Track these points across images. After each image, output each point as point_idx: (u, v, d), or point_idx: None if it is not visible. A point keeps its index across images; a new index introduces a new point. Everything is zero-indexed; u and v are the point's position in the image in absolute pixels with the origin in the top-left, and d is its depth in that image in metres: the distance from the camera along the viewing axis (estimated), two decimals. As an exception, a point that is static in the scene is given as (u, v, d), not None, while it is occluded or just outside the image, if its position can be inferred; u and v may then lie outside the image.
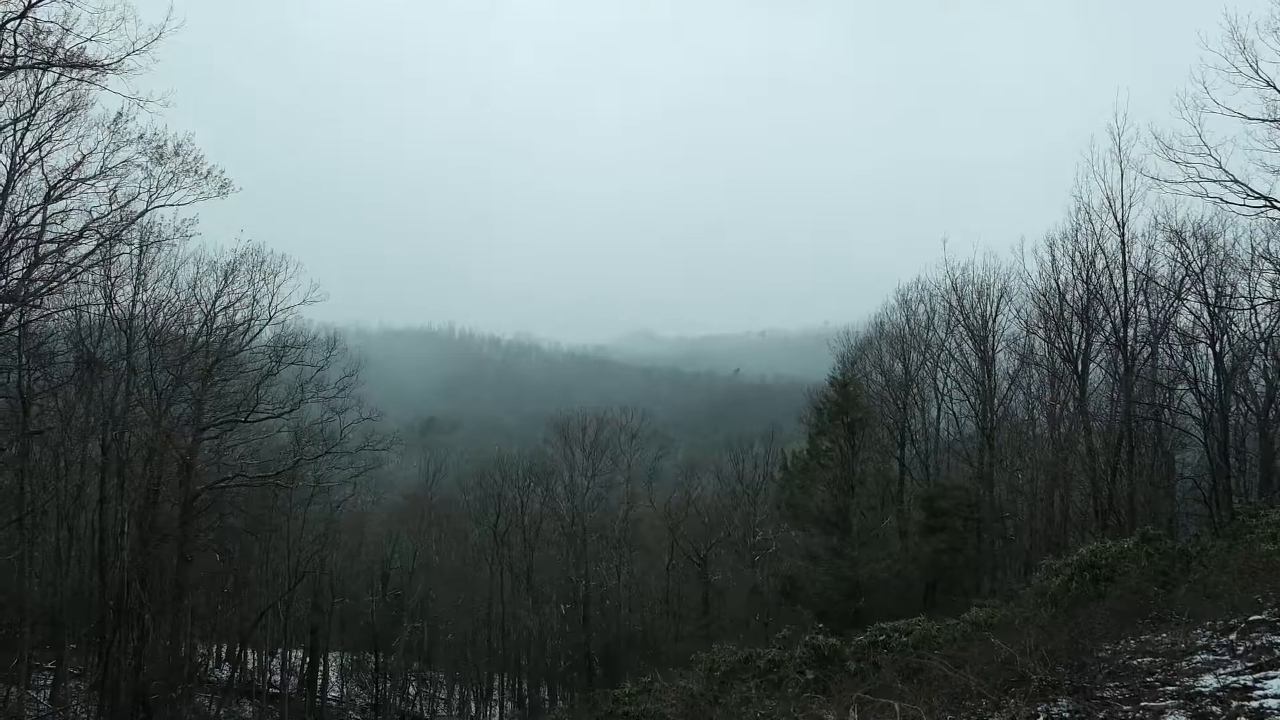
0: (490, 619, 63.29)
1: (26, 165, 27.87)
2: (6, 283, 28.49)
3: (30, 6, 22.53)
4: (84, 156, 28.43)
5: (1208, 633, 12.42)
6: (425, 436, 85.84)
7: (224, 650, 56.51)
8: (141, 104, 25.52)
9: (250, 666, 55.04)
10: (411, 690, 63.43)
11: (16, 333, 30.99)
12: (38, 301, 29.85)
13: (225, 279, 38.43)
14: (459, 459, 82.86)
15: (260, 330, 40.02)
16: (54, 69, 24.87)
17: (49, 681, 34.94)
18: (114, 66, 23.99)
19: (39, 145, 27.67)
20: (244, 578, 51.46)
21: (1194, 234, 31.40)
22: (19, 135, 27.23)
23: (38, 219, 28.58)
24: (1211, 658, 11.07)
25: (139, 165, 29.62)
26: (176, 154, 30.31)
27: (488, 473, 68.40)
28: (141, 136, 29.19)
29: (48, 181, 28.32)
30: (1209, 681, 9.90)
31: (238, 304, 38.97)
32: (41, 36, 23.24)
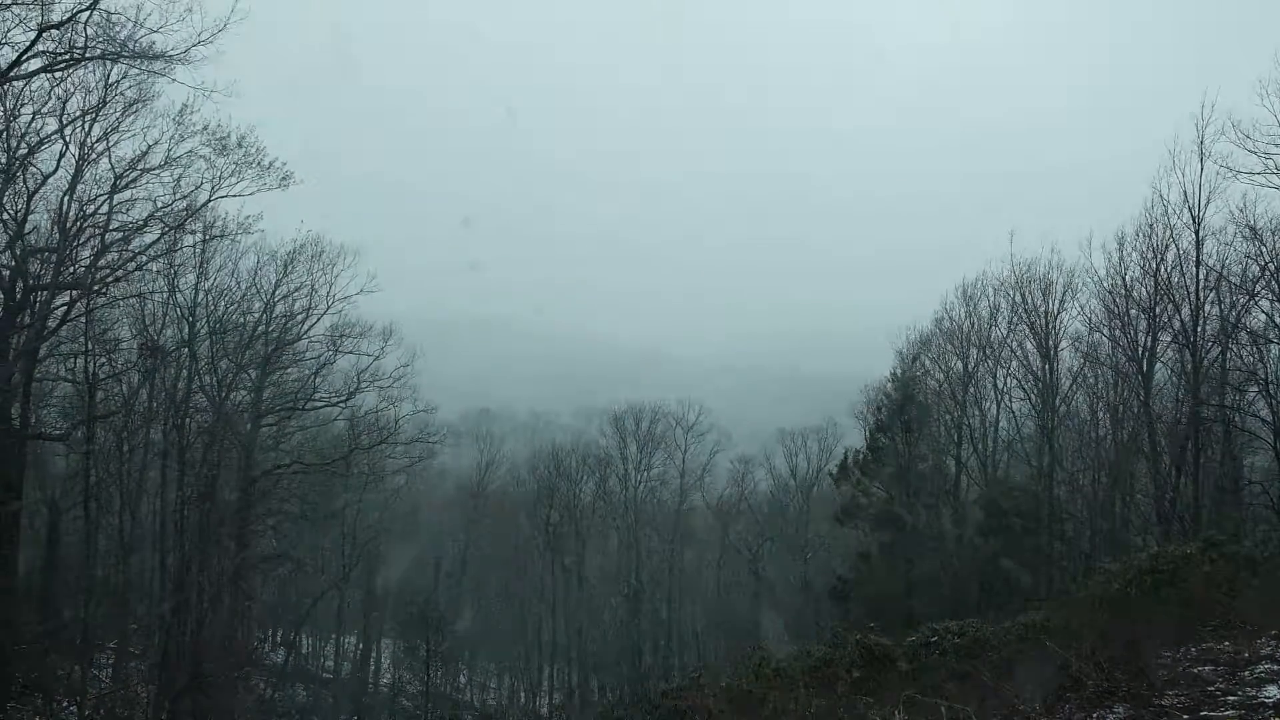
0: (541, 610, 63.67)
1: (94, 155, 28.59)
2: (74, 270, 29.19)
3: (98, -3, 22.98)
4: (149, 147, 29.07)
5: (1272, 642, 11.99)
6: (479, 426, 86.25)
7: (279, 634, 57.50)
8: (206, 94, 26.11)
9: (305, 651, 56.00)
10: (462, 679, 64.09)
11: (83, 319, 31.73)
12: (103, 289, 30.52)
13: (285, 269, 39.00)
14: (512, 450, 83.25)
15: (318, 319, 40.51)
16: (124, 60, 25.42)
17: (110, 661, 35.73)
18: (180, 58, 24.49)
19: (106, 136, 28.34)
20: (300, 564, 52.32)
21: (1272, 230, 30.30)
22: (88, 126, 27.91)
23: (104, 208, 29.29)
24: (1276, 668, 10.70)
25: (202, 156, 30.13)
26: (239, 146, 30.69)
27: (541, 464, 68.69)
28: (205, 128, 29.69)
29: (114, 171, 29.00)
30: (1273, 692, 9.58)
31: (296, 293, 39.51)
32: (113, 29, 23.79)
